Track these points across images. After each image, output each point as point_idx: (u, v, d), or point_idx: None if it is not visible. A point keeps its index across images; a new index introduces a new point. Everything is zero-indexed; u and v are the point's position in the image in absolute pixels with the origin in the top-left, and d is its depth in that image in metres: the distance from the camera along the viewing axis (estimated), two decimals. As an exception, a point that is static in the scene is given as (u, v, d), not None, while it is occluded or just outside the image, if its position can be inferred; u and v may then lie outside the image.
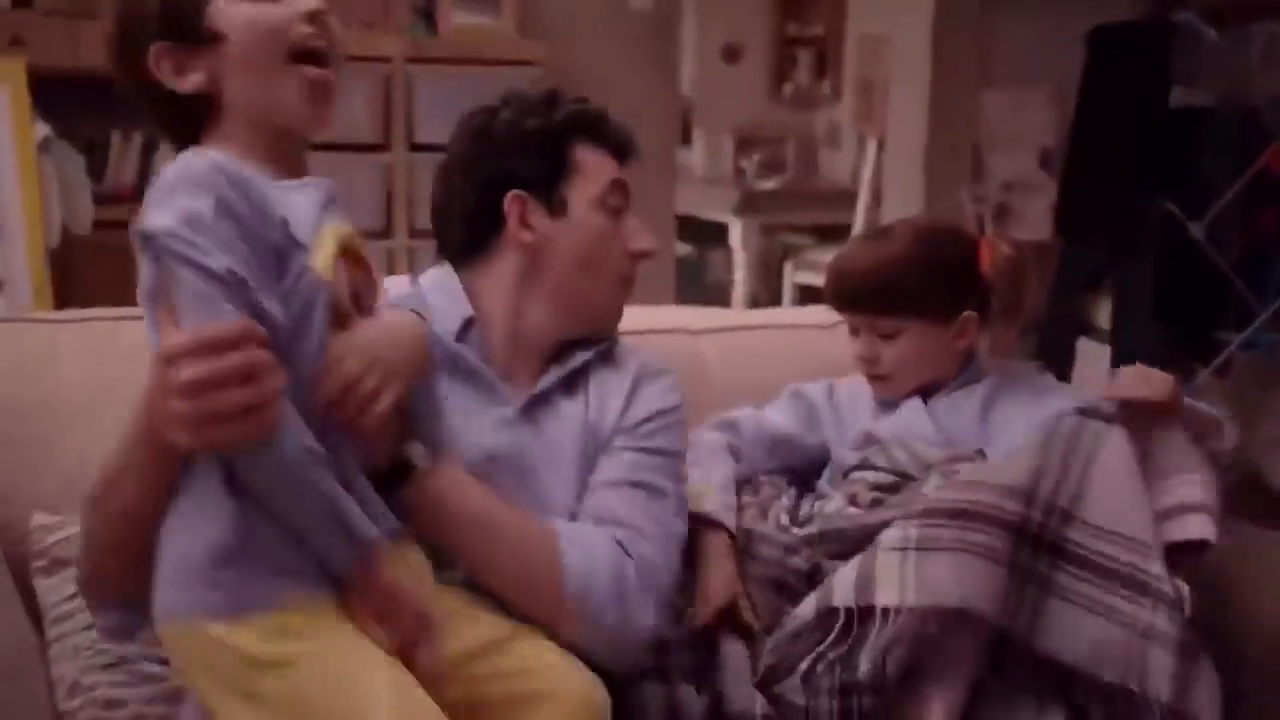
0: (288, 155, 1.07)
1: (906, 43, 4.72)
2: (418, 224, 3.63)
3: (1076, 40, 3.53)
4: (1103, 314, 3.36)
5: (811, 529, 1.34)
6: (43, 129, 2.88)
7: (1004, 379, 1.48)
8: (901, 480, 1.35)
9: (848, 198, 5.43)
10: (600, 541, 1.18)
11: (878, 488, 1.35)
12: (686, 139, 6.91)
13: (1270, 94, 3.18)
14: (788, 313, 1.91)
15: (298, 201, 1.03)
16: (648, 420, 1.31)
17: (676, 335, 1.70)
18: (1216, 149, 3.19)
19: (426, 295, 1.25)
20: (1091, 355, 3.38)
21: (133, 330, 1.46)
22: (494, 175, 1.29)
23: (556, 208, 1.29)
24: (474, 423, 1.22)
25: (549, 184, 1.29)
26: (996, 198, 4.68)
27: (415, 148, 3.70)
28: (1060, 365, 3.46)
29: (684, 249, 5.70)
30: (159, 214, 0.96)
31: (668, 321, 1.72)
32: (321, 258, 1.01)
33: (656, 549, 1.21)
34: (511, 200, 1.29)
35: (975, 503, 1.17)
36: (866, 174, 5.28)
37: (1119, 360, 3.27)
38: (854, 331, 1.49)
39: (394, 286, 1.21)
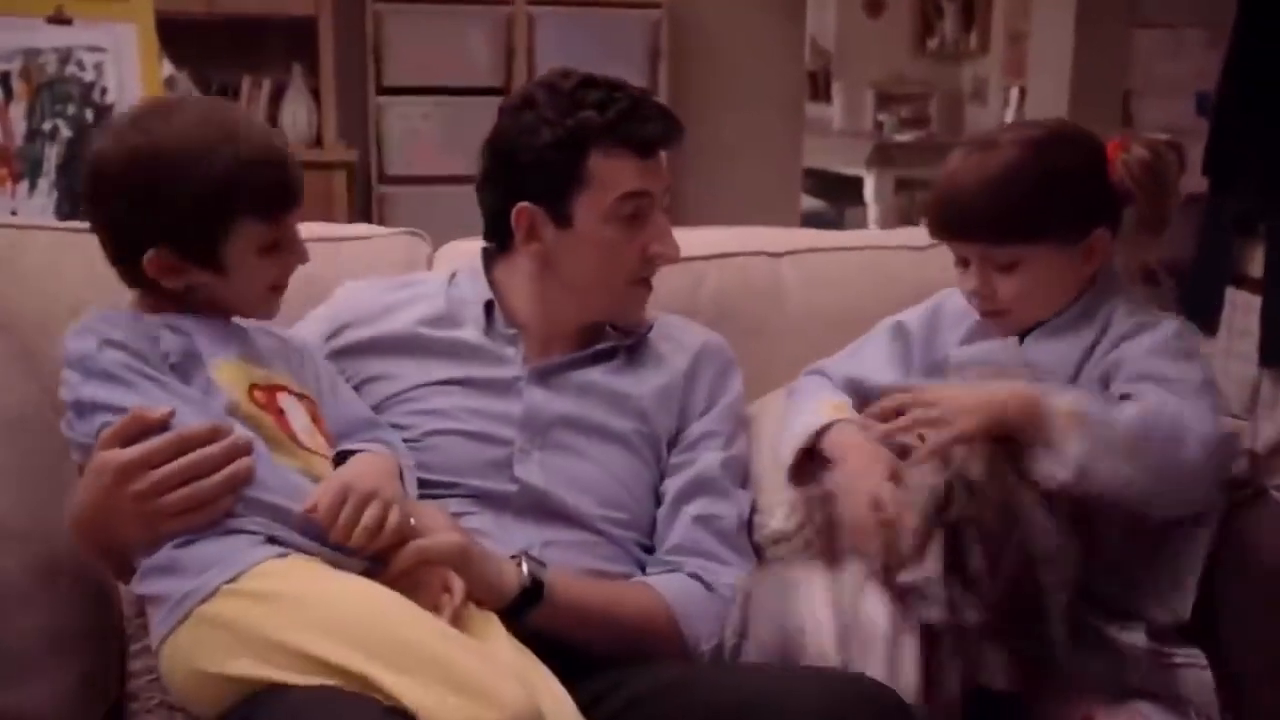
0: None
1: (1053, -18, 4.49)
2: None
3: (1238, -27, 3.28)
4: (1255, 263, 3.13)
5: None
6: (168, 68, 2.96)
7: (1130, 336, 1.25)
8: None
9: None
10: (695, 592, 1.26)
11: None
12: (827, 94, 6.77)
13: None
14: (876, 234, 1.79)
15: (205, 335, 1.15)
16: (723, 418, 1.36)
17: (757, 258, 1.63)
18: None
19: (460, 282, 1.39)
20: (1241, 306, 3.16)
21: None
22: (507, 185, 1.31)
23: (563, 220, 1.29)
24: (483, 393, 1.30)
25: (558, 197, 1.28)
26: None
27: (536, 92, 3.70)
28: (1207, 315, 3.24)
29: (817, 204, 5.58)
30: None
31: (749, 244, 1.66)
32: (229, 386, 1.13)
33: (735, 570, 1.29)
34: (519, 213, 1.30)
35: None
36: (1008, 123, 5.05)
37: (1271, 312, 3.04)
38: (962, 263, 1.28)
39: (435, 277, 1.44)
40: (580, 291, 1.33)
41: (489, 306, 1.35)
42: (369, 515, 1.07)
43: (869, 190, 5.62)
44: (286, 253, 1.16)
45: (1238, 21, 3.25)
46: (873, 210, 5.58)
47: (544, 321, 1.35)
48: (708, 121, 4.01)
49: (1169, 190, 1.23)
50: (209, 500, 1.05)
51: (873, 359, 1.39)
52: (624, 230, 1.29)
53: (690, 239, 1.64)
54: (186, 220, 1.10)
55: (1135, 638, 1.20)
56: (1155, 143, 1.23)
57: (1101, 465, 1.14)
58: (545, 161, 1.27)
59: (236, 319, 1.19)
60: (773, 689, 1.04)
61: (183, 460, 1.05)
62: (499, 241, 1.36)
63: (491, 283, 1.37)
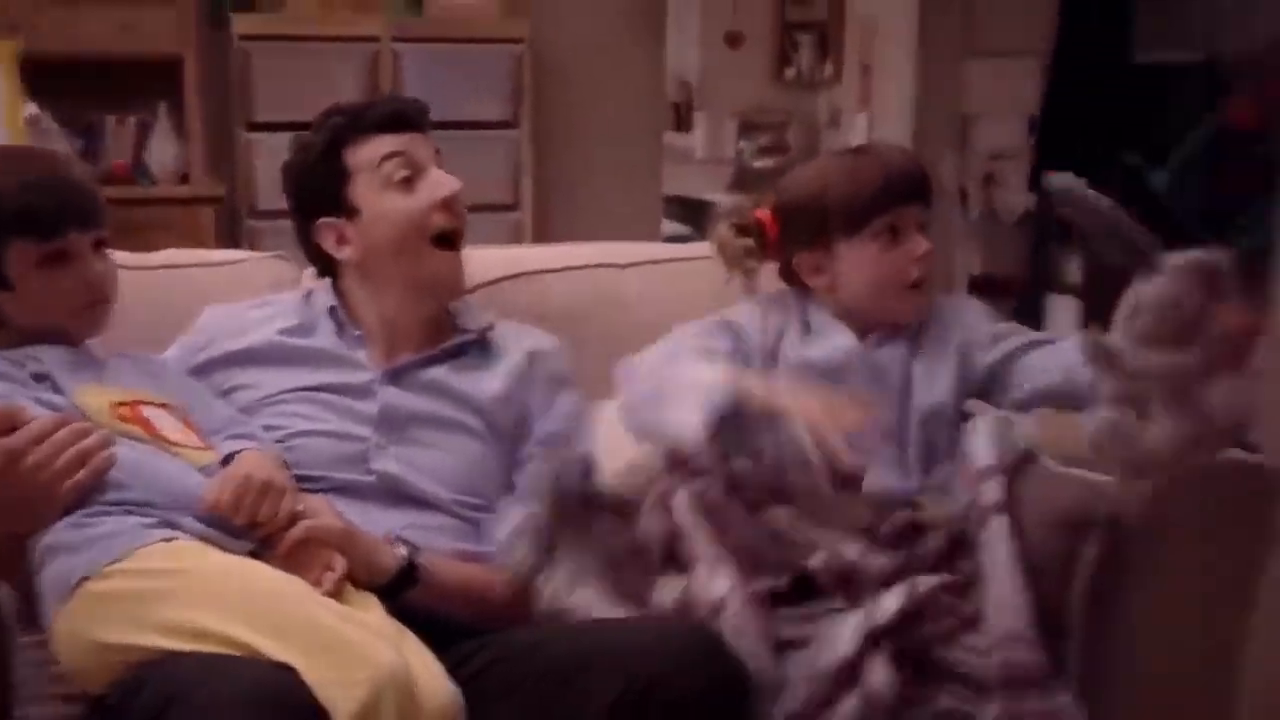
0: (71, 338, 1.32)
1: (893, 14, 4.77)
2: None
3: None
4: (1074, 270, 3.41)
5: None
6: (30, 107, 2.98)
7: (939, 317, 1.47)
8: None
9: (842, 174, 5.47)
10: None
11: None
12: (690, 125, 6.96)
13: (1232, 50, 3.21)
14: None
15: (60, 365, 1.27)
16: (565, 419, 1.48)
17: (603, 270, 1.77)
18: (1183, 104, 3.22)
19: (315, 296, 1.52)
20: (1062, 310, 3.43)
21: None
22: (302, 216, 1.49)
23: (353, 214, 1.45)
24: (340, 395, 1.42)
25: (339, 200, 1.45)
26: (983, 168, 4.71)
27: (402, 126, 3.78)
28: (1035, 321, 3.50)
29: (681, 229, 5.75)
30: None
31: (596, 257, 1.79)
32: (93, 409, 1.23)
33: None
34: (320, 231, 1.47)
35: None
36: (858, 149, 5.30)
37: (1089, 315, 3.30)
38: (892, 231, 1.41)
39: (292, 294, 1.56)
40: (399, 275, 1.45)
41: (333, 311, 1.48)
42: (269, 501, 1.20)
43: (731, 215, 5.82)
44: (71, 267, 1.27)
45: (1054, 50, 3.54)
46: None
47: (386, 322, 1.47)
48: (571, 152, 4.16)
49: None
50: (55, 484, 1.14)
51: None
52: (405, 191, 1.43)
53: (540, 254, 1.79)
54: None
55: None
56: None
57: None
58: (312, 182, 1.46)
59: (90, 345, 1.31)
60: (612, 640, 1.17)
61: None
62: (321, 267, 1.51)
63: (339, 292, 1.50)
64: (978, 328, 1.47)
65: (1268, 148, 3.05)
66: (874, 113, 4.93)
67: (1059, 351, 1.40)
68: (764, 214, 1.50)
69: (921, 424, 1.41)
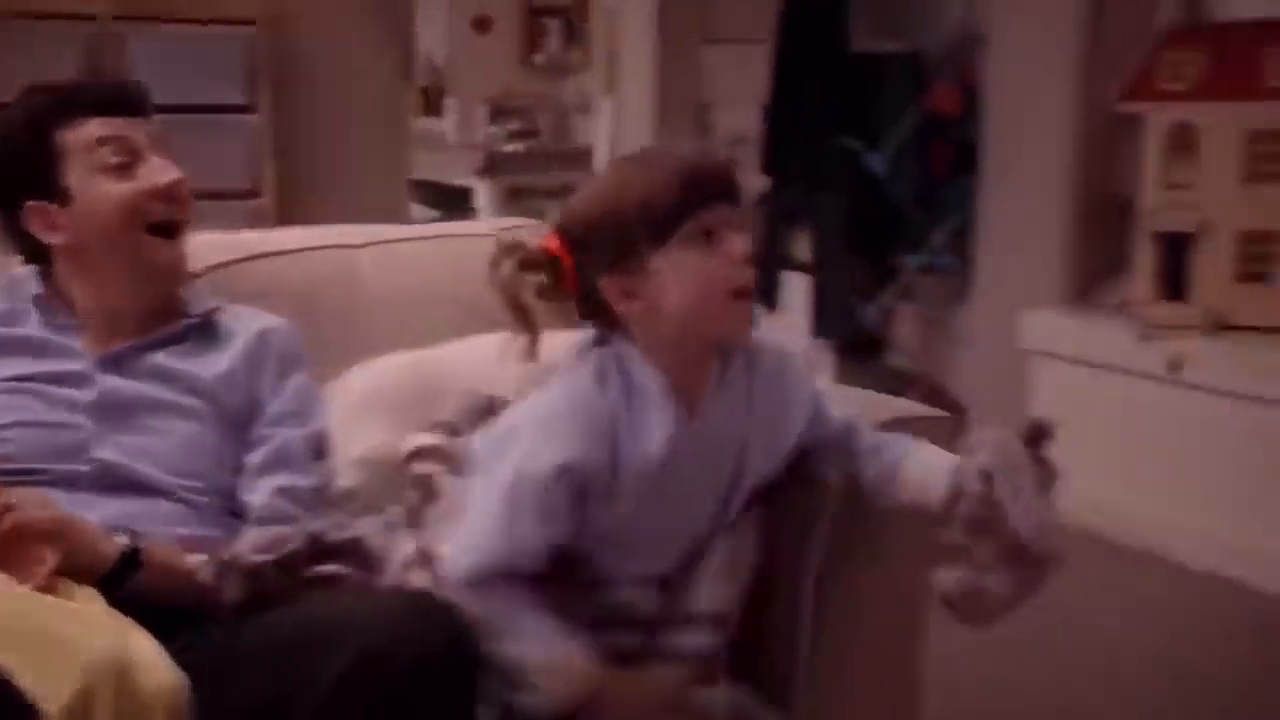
0: None
1: (634, 5, 4.90)
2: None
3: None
4: (803, 248, 3.61)
5: None
6: None
7: (775, 382, 1.32)
8: None
9: (591, 157, 5.59)
10: None
11: None
12: (441, 109, 6.95)
13: (933, 41, 3.47)
14: (444, 226, 1.98)
15: None
16: (297, 398, 1.47)
17: (338, 250, 1.77)
18: (894, 92, 3.47)
19: (20, 282, 1.45)
20: (794, 287, 3.63)
21: None
22: (5, 199, 1.41)
23: (65, 199, 1.39)
24: (54, 384, 1.37)
25: (49, 184, 1.38)
26: (724, 152, 4.91)
27: (128, 110, 3.61)
28: (770, 295, 3.70)
29: (432, 214, 5.74)
30: None
31: (328, 238, 1.79)
32: None
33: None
34: (27, 215, 1.40)
35: None
36: (604, 135, 5.45)
37: (820, 290, 3.52)
38: (706, 234, 1.20)
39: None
40: (113, 265, 1.41)
41: (38, 299, 1.43)
42: None
43: (480, 199, 5.86)
44: None
45: (776, 40, 3.73)
46: (484, 218, 5.82)
47: (104, 309, 1.43)
48: (315, 138, 4.06)
49: None
50: None
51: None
52: (119, 178, 1.39)
53: (274, 237, 1.78)
54: None
55: None
56: None
57: None
58: (16, 158, 1.39)
59: None
60: (341, 612, 1.15)
61: None
62: (33, 251, 1.44)
63: (50, 278, 1.44)
64: (825, 415, 1.35)
65: (966, 131, 3.34)
66: (620, 98, 5.05)
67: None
68: (551, 242, 1.24)
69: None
